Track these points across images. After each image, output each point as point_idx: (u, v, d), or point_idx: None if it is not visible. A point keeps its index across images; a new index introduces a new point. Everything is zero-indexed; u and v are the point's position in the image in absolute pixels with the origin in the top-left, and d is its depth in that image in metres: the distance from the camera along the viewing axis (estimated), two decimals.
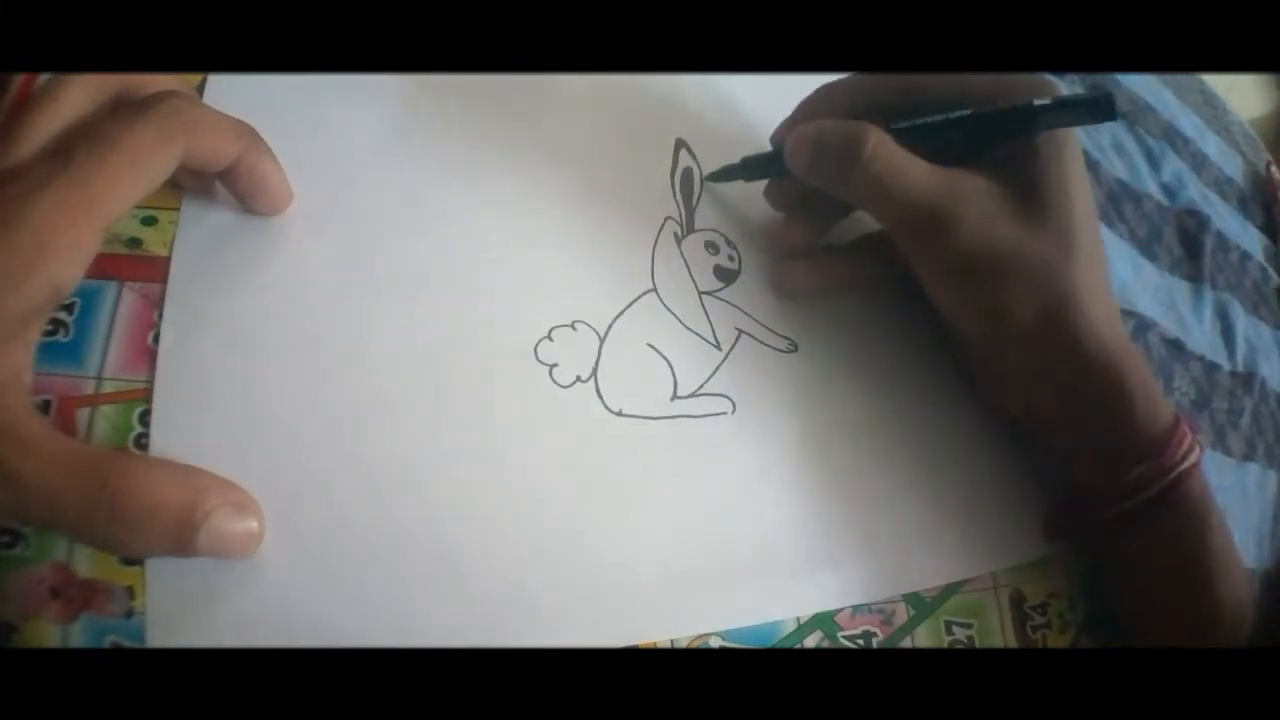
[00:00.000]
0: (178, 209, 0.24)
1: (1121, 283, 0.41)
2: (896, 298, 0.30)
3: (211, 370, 0.22)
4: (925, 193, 0.24)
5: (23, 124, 0.19)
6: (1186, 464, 0.26)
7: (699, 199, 0.30)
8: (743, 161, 0.29)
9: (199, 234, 0.23)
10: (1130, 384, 0.26)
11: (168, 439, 0.21)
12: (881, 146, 0.24)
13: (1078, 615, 0.30)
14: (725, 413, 0.27)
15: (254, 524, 0.20)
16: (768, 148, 0.29)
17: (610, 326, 0.26)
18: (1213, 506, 0.27)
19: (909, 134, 0.25)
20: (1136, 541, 0.27)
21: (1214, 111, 0.60)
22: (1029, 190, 0.25)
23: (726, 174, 0.29)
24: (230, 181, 0.23)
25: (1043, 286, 0.25)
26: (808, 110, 0.28)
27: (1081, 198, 0.26)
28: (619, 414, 0.25)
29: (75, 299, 0.22)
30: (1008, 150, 0.25)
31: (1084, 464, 0.28)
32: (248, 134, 0.22)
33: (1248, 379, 0.46)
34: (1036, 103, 0.24)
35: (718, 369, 0.27)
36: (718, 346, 0.28)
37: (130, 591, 0.20)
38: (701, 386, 0.27)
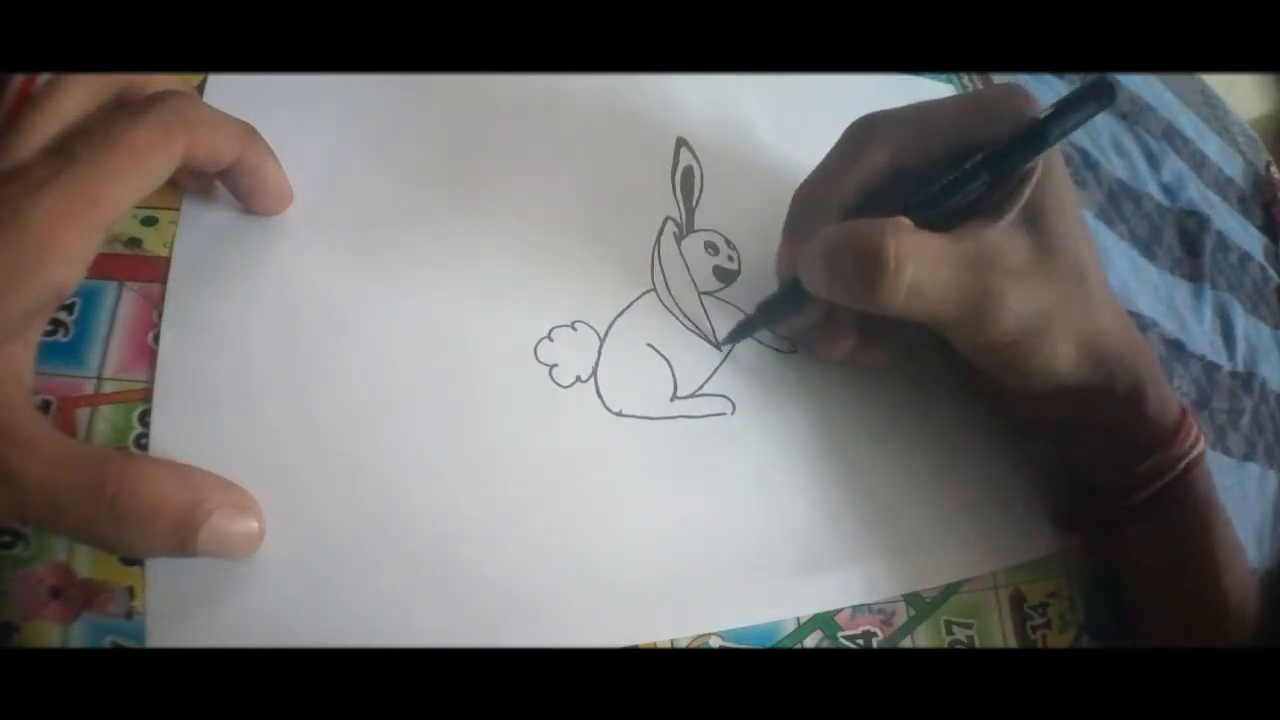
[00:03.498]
0: (178, 209, 0.24)
1: (1121, 283, 0.41)
2: None
3: (211, 370, 0.22)
4: (962, 286, 0.23)
5: (23, 124, 0.19)
6: (1194, 453, 0.26)
7: (699, 199, 0.30)
8: (758, 309, 0.27)
9: (199, 234, 0.23)
10: (1145, 380, 0.26)
11: (168, 439, 0.21)
12: (904, 248, 0.22)
13: (1078, 615, 0.30)
14: (725, 413, 0.27)
15: (254, 524, 0.20)
16: (768, 148, 0.29)
17: (610, 326, 0.26)
18: (1216, 496, 0.27)
19: (931, 202, 0.24)
20: (1146, 533, 0.27)
21: (1214, 111, 0.60)
22: (1034, 226, 0.24)
23: (747, 328, 0.28)
24: (230, 181, 0.23)
25: (1074, 322, 0.25)
26: (796, 225, 0.26)
27: (1075, 213, 0.25)
28: (619, 414, 0.25)
29: (75, 299, 0.22)
30: (1006, 188, 0.24)
31: (1096, 461, 0.28)
32: (248, 134, 0.22)
33: (1248, 379, 0.46)
34: (1043, 115, 0.23)
35: (717, 369, 0.27)
36: (717, 347, 0.28)
37: (130, 591, 0.20)
38: (701, 387, 0.27)
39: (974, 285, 0.23)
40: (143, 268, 0.23)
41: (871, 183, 0.25)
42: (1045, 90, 0.43)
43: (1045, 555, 0.30)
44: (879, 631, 0.26)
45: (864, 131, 0.25)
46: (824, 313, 0.27)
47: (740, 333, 0.28)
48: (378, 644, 0.21)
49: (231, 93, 0.24)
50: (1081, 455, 0.28)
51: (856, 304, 0.24)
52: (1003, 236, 0.24)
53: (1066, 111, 0.23)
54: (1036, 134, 0.23)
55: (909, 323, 0.25)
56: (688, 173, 0.30)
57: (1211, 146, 0.56)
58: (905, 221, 0.23)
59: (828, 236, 0.24)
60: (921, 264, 0.22)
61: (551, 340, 0.26)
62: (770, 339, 0.29)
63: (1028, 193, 0.24)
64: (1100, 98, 0.23)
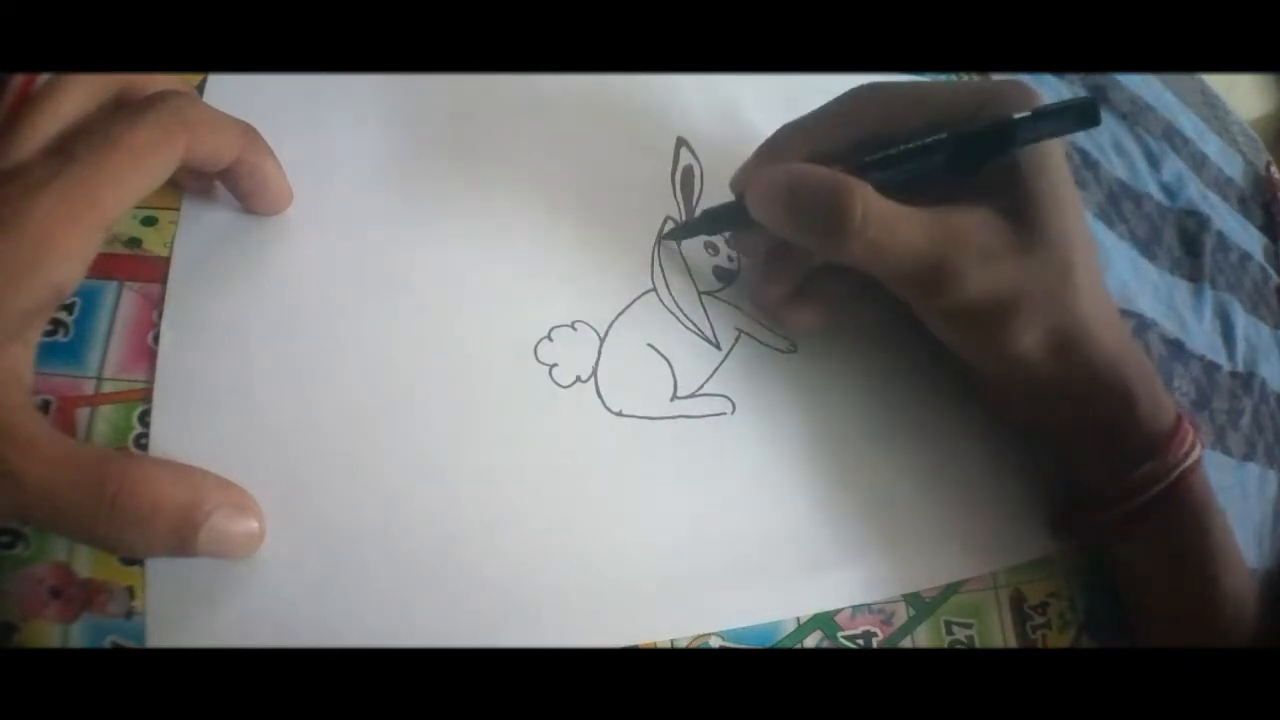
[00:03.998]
0: (178, 209, 0.24)
1: (1121, 283, 0.41)
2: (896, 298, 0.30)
3: (211, 370, 0.22)
4: (924, 249, 0.23)
5: (23, 123, 0.19)
6: (1189, 460, 0.26)
7: (699, 199, 0.30)
8: (703, 215, 0.28)
9: (199, 234, 0.23)
10: (1135, 386, 0.26)
11: (168, 439, 0.21)
12: (871, 207, 0.23)
13: (1078, 615, 0.30)
14: (725, 413, 0.27)
15: (254, 524, 0.20)
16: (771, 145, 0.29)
17: (610, 326, 0.26)
18: (1214, 501, 0.27)
19: (884, 164, 0.24)
20: (1142, 538, 0.27)
21: (1214, 111, 0.60)
22: (1020, 214, 0.24)
23: (686, 230, 0.28)
24: (230, 181, 0.23)
25: (1048, 315, 0.25)
26: (770, 153, 0.27)
27: (1072, 211, 0.25)
28: (619, 414, 0.25)
29: (75, 299, 0.22)
30: (992, 170, 0.24)
31: (1090, 465, 0.28)
32: (248, 133, 0.22)
33: (1248, 379, 0.46)
34: (1016, 116, 0.23)
35: (717, 369, 0.27)
36: (717, 347, 0.28)
37: (130, 591, 0.20)
38: (701, 387, 0.27)
39: (933, 253, 0.23)
40: (143, 268, 0.23)
41: (854, 143, 0.25)
42: (1045, 90, 0.43)
43: (1045, 555, 0.30)
44: (879, 631, 0.26)
45: (865, 95, 0.26)
46: (767, 246, 0.27)
47: (680, 233, 0.28)
48: (378, 644, 0.21)
49: (231, 93, 0.24)
50: (1076, 459, 0.28)
51: (807, 245, 0.25)
52: (979, 219, 0.24)
53: (1040, 119, 0.23)
54: (1003, 131, 0.23)
55: (886, 314, 0.26)
56: (688, 172, 0.30)
57: (1211, 146, 0.56)
58: (869, 187, 0.23)
59: (793, 173, 0.24)
60: (885, 226, 0.23)
61: (551, 340, 0.26)
62: (770, 339, 0.29)
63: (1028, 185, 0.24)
64: (1081, 117, 0.23)
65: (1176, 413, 0.27)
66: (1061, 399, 0.26)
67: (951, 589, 0.28)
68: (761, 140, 0.27)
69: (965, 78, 0.37)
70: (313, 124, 0.26)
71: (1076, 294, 0.25)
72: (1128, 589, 0.29)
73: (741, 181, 0.27)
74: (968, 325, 0.25)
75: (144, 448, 0.21)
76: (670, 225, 0.29)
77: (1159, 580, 0.28)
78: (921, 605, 0.27)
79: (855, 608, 0.26)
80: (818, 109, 0.26)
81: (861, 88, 0.26)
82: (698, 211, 0.29)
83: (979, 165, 0.24)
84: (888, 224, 0.23)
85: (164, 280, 0.23)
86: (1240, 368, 0.46)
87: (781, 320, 0.28)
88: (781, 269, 0.28)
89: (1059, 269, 0.24)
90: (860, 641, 0.26)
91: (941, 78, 0.37)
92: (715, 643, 0.24)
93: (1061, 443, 0.28)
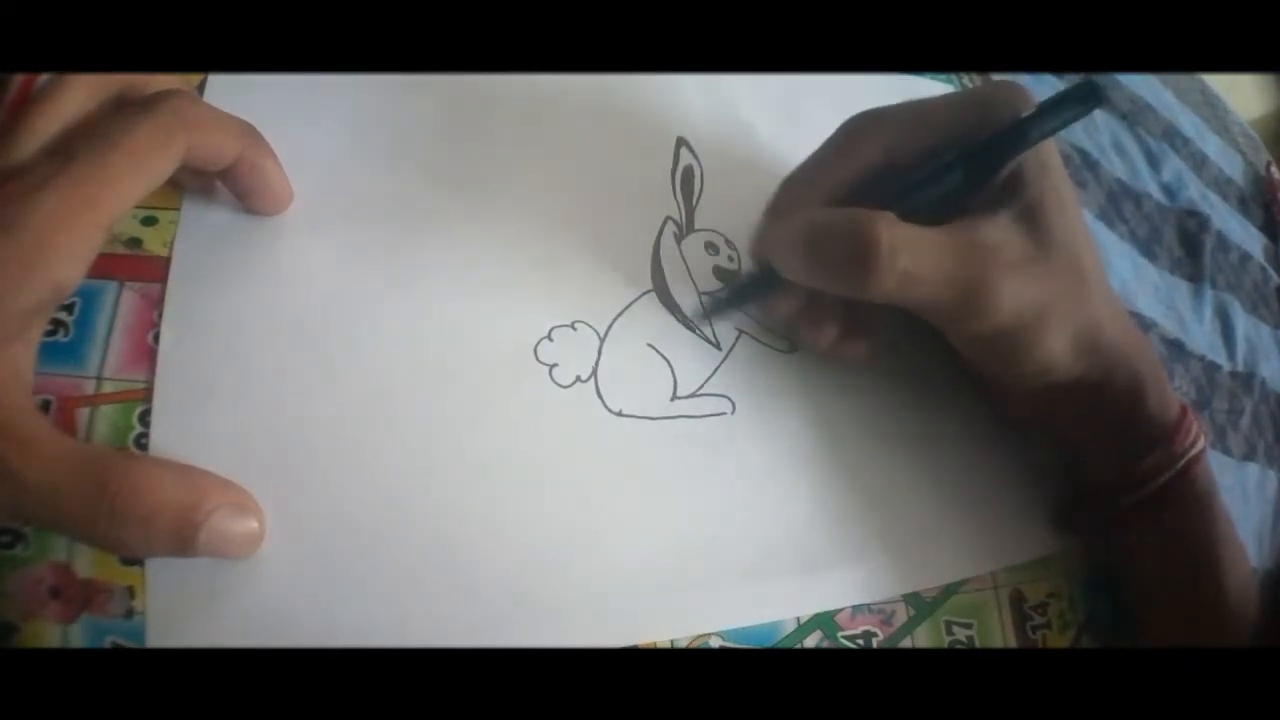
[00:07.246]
0: (178, 209, 0.24)
1: (1121, 283, 0.41)
2: None
3: (211, 370, 0.22)
4: (956, 273, 0.23)
5: (24, 123, 0.19)
6: (1194, 450, 0.26)
7: (699, 199, 0.30)
8: (729, 291, 0.28)
9: (199, 234, 0.23)
10: (1144, 378, 0.26)
11: (168, 439, 0.21)
12: (897, 236, 0.22)
13: (1078, 615, 0.30)
14: (725, 413, 0.27)
15: (254, 524, 0.20)
16: (768, 148, 0.29)
17: (610, 326, 0.26)
18: (1217, 492, 0.27)
19: (904, 192, 0.24)
20: (1146, 530, 0.27)
21: (1214, 111, 0.60)
22: (1031, 220, 0.24)
23: (717, 307, 0.27)
24: (231, 181, 0.23)
25: (1070, 318, 0.24)
26: (781, 208, 0.26)
27: (1074, 210, 0.25)
28: (619, 414, 0.25)
29: (75, 299, 0.22)
30: (999, 182, 0.24)
31: (1097, 459, 0.28)
32: (249, 133, 0.22)
33: (1248, 379, 0.46)
34: (1024, 115, 0.23)
35: (717, 369, 0.27)
36: (717, 347, 0.28)
37: (130, 591, 0.20)
38: (701, 387, 0.27)
39: (965, 276, 0.23)
40: (143, 268, 0.23)
41: (862, 177, 0.25)
42: (1045, 90, 0.43)
43: (1045, 555, 0.30)
44: (879, 631, 0.26)
45: (860, 127, 0.25)
46: (804, 300, 0.27)
47: (713, 310, 0.28)
48: (378, 644, 0.21)
49: (231, 93, 0.24)
50: (1081, 453, 0.28)
51: (841, 291, 0.24)
52: (998, 230, 0.24)
53: (1048, 113, 0.23)
54: (1015, 133, 0.23)
55: (891, 317, 0.25)
56: (688, 173, 0.30)
57: (1211, 146, 0.56)
58: (891, 215, 0.23)
59: (813, 221, 0.24)
60: (914, 254, 0.22)
61: (551, 340, 0.26)
62: (770, 339, 0.29)
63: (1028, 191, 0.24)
64: (1085, 101, 0.23)
65: (1181, 404, 0.27)
66: (1077, 397, 0.26)
67: (951, 589, 0.28)
68: (761, 139, 0.27)
69: (965, 79, 0.37)
70: (313, 124, 0.26)
71: (1090, 292, 0.25)
72: (1130, 583, 0.29)
73: (760, 247, 0.26)
74: (1001, 345, 0.25)
75: (144, 448, 0.21)
76: (670, 225, 0.29)
77: (1162, 572, 0.28)
78: (921, 605, 0.27)
79: (855, 608, 0.26)
80: (816, 151, 0.26)
81: (855, 119, 0.25)
82: (697, 211, 0.29)
83: (995, 173, 0.24)
84: (917, 251, 0.22)
85: (164, 280, 0.23)
86: (1240, 368, 0.46)
87: (839, 359, 0.28)
88: (825, 312, 0.27)
89: (1073, 270, 0.24)
90: (860, 641, 0.26)
91: (940, 80, 0.37)
92: (715, 643, 0.24)
93: (1069, 438, 0.28)
